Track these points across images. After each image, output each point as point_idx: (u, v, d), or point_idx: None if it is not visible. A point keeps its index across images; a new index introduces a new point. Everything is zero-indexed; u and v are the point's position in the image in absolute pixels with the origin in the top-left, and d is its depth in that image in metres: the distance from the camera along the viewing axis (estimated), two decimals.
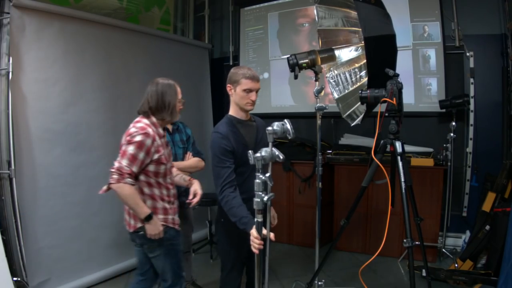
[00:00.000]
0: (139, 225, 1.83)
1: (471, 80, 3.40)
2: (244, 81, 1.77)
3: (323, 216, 3.34)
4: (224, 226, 1.91)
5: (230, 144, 1.76)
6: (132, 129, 1.80)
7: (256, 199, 1.37)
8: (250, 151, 1.43)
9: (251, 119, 1.94)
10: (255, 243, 1.50)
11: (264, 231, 1.52)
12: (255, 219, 1.45)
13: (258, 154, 1.37)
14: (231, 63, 4.69)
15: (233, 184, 1.75)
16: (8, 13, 2.50)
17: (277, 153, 1.39)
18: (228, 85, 1.83)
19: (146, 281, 2.05)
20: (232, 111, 1.89)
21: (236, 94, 1.81)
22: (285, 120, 1.49)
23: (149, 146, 1.77)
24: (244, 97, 1.79)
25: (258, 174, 1.37)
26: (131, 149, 1.73)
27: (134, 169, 1.73)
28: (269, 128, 1.42)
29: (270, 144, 1.40)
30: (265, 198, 1.37)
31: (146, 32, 3.63)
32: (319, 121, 2.46)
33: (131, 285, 2.12)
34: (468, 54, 3.42)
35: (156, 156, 1.81)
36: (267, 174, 1.38)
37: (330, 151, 3.72)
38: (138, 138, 1.74)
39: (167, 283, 1.95)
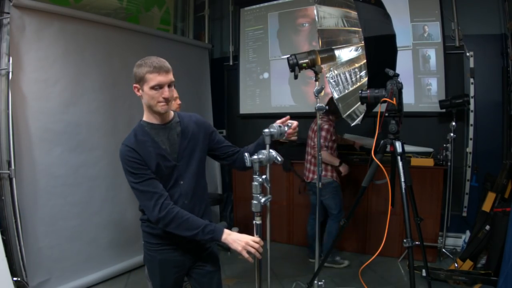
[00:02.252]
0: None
1: (471, 80, 3.40)
2: (149, 77, 1.39)
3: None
4: (145, 252, 1.61)
5: (139, 157, 1.41)
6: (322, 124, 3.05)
7: (254, 201, 1.36)
8: (246, 154, 1.36)
9: (175, 120, 1.54)
10: (253, 247, 1.38)
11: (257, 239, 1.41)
12: (254, 222, 1.42)
13: (255, 157, 1.35)
14: (231, 63, 4.69)
15: (167, 194, 1.43)
16: (8, 13, 2.50)
17: (275, 155, 1.38)
18: (134, 85, 1.45)
19: (314, 219, 3.31)
20: (145, 116, 1.51)
21: (145, 95, 1.42)
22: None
23: (332, 131, 3.17)
24: (154, 96, 1.40)
25: (255, 176, 1.35)
26: (323, 134, 3.11)
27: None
28: (266, 130, 1.41)
29: (268, 146, 1.39)
30: (262, 200, 1.36)
31: (146, 32, 3.63)
32: (319, 121, 2.46)
33: (308, 221, 3.42)
34: (468, 54, 3.42)
35: (333, 137, 3.21)
36: (264, 176, 1.36)
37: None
38: (326, 126, 3.14)
39: (333, 212, 3.23)
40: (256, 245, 1.38)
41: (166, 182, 1.47)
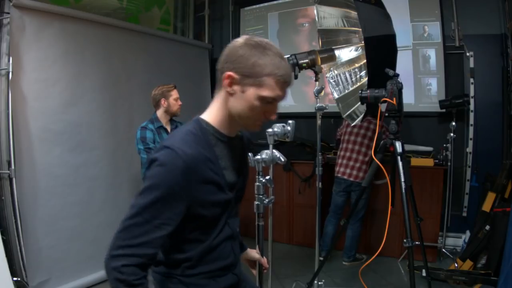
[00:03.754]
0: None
1: (471, 80, 3.40)
2: (270, 83, 0.91)
3: (323, 216, 3.34)
4: None
5: (189, 189, 0.90)
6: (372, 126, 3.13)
7: (257, 202, 1.36)
8: (250, 154, 1.18)
9: (238, 133, 1.11)
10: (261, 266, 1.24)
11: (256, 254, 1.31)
12: (256, 223, 1.41)
13: (258, 157, 1.34)
14: None
15: (154, 258, 0.92)
16: (8, 13, 2.50)
17: (278, 155, 1.37)
18: (232, 74, 0.93)
19: (338, 219, 3.33)
20: (214, 118, 1.01)
21: (244, 98, 0.93)
22: (289, 121, 1.45)
23: None
24: (257, 109, 0.94)
25: (258, 177, 1.35)
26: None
27: None
28: (269, 130, 1.41)
29: (271, 146, 1.39)
30: (266, 201, 1.36)
31: (146, 32, 3.63)
32: (319, 121, 2.46)
33: (331, 222, 3.33)
34: (468, 54, 3.42)
35: None
36: (267, 177, 1.36)
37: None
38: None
39: (360, 214, 3.23)
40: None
41: (212, 228, 0.99)
